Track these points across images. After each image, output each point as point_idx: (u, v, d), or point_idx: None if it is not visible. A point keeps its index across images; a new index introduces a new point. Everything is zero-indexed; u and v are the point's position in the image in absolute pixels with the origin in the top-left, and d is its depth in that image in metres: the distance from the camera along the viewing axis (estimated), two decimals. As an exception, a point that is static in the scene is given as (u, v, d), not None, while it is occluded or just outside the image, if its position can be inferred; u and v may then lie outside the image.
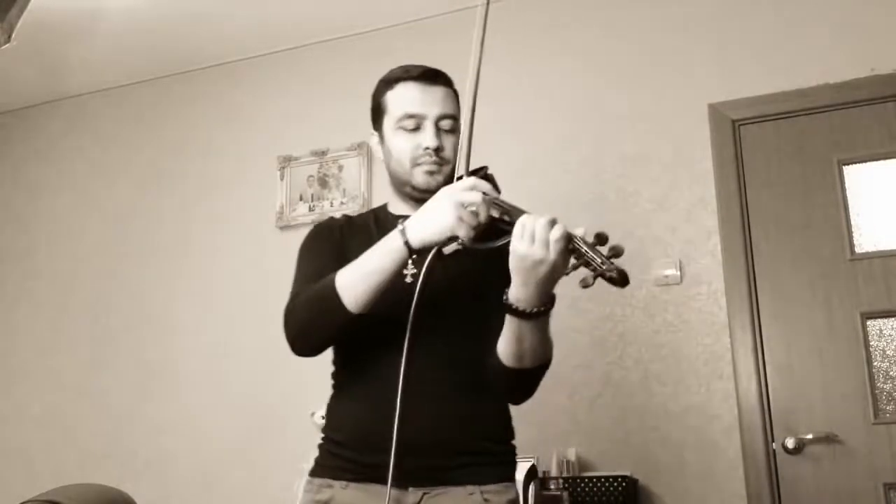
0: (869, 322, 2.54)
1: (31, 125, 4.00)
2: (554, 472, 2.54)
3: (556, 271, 1.30)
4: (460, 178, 1.48)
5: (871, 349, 2.52)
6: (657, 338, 2.72)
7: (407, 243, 1.39)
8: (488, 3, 1.56)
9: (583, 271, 1.27)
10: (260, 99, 3.56)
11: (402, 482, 1.44)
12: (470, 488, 1.47)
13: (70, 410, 3.50)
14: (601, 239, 1.27)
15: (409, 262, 1.51)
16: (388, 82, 1.64)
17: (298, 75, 3.52)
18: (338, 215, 1.77)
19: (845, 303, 2.56)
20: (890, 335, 2.52)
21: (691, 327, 2.69)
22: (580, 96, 3.03)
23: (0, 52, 1.67)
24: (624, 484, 2.43)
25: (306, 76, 3.50)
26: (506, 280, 1.36)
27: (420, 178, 1.58)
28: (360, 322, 1.44)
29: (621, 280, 1.23)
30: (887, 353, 2.51)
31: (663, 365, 2.69)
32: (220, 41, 3.52)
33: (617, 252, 1.26)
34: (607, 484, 2.43)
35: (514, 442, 1.60)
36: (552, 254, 1.27)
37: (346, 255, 1.54)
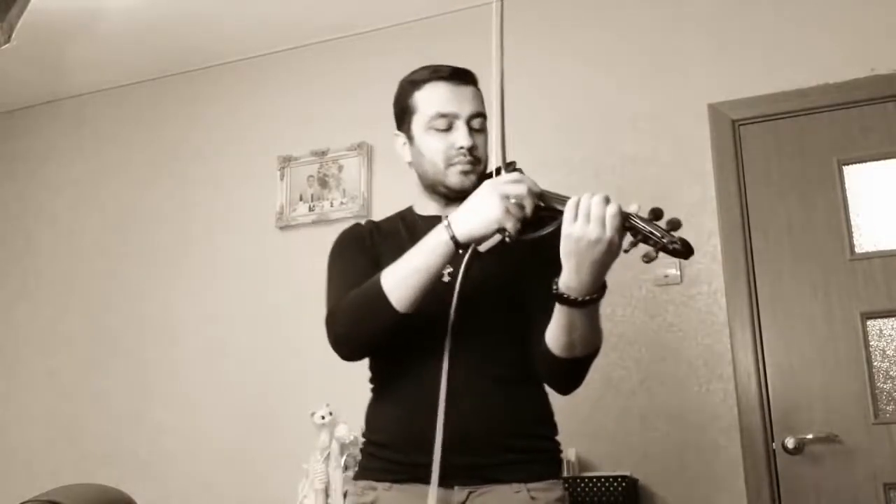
0: (869, 322, 2.54)
1: (31, 125, 4.00)
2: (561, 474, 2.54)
3: (614, 250, 1.29)
4: (498, 170, 1.47)
5: (871, 349, 2.52)
6: (657, 338, 2.72)
7: (453, 238, 1.38)
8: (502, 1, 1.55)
9: (641, 248, 1.26)
10: (260, 99, 3.56)
11: (447, 481, 1.43)
12: (516, 486, 1.46)
13: (70, 410, 3.50)
14: (657, 214, 1.26)
15: None
16: (415, 83, 1.62)
17: (298, 75, 3.52)
18: (362, 221, 1.75)
19: (845, 303, 2.56)
20: (890, 335, 2.52)
21: (691, 327, 2.69)
22: (580, 96, 3.03)
23: (0, 52, 1.67)
24: (624, 484, 2.43)
25: (306, 76, 3.50)
26: (549, 268, 1.36)
27: (454, 178, 1.57)
28: (407, 322, 1.43)
29: (685, 251, 1.22)
30: (887, 353, 2.51)
31: (663, 365, 2.69)
32: (220, 41, 3.52)
33: (675, 225, 1.25)
34: (607, 484, 2.43)
35: (558, 437, 1.59)
36: (609, 230, 1.26)
37: (378, 260, 1.55)
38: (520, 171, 1.55)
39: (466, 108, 1.58)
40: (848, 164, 2.66)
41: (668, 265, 2.74)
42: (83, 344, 3.56)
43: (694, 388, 2.65)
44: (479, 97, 1.62)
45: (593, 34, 3.08)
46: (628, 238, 1.28)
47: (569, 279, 1.33)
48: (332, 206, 3.28)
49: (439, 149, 1.57)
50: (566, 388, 1.55)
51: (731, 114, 2.80)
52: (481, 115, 1.59)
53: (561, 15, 3.14)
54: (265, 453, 3.10)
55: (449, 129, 1.57)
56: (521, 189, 1.37)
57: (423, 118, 1.59)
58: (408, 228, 1.64)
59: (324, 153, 3.36)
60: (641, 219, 1.26)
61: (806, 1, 2.81)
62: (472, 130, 1.57)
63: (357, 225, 1.71)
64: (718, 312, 2.67)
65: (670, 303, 2.73)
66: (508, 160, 1.59)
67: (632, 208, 1.28)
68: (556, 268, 1.34)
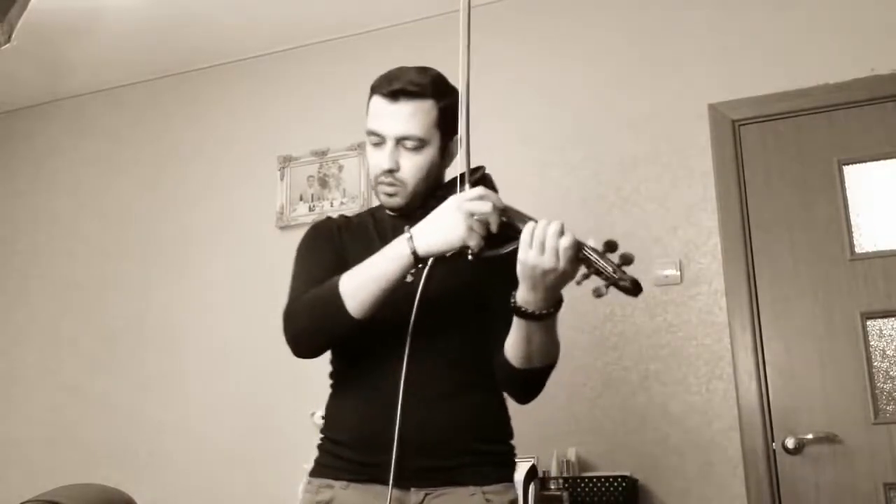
0: (869, 322, 2.54)
1: (31, 125, 4.00)
2: (554, 472, 2.54)
3: (566, 279, 1.30)
4: (462, 179, 1.47)
5: (871, 349, 2.52)
6: (657, 338, 2.72)
7: (414, 252, 1.38)
8: (469, 9, 1.53)
9: (594, 280, 1.27)
10: (260, 99, 3.56)
11: (404, 482, 1.44)
12: (472, 489, 1.47)
13: (70, 410, 3.50)
14: (611, 247, 1.27)
15: None
16: (371, 89, 1.62)
17: (298, 75, 3.52)
18: (335, 215, 1.76)
19: (845, 303, 2.56)
20: (890, 335, 2.52)
21: (691, 327, 2.69)
22: (580, 96, 3.03)
23: (0, 52, 1.67)
24: (624, 484, 2.43)
25: (306, 76, 3.50)
26: (508, 280, 1.36)
27: (381, 197, 1.58)
28: (362, 327, 1.44)
29: (634, 289, 1.23)
30: (887, 353, 2.51)
31: (663, 365, 2.69)
32: (220, 41, 3.52)
33: (627, 259, 1.26)
34: (607, 484, 2.43)
35: (512, 441, 1.60)
36: (562, 262, 1.27)
37: (345, 256, 1.55)
38: (489, 176, 1.56)
39: (397, 129, 1.53)
40: (848, 164, 2.66)
41: (667, 265, 2.75)
42: (83, 344, 3.56)
43: (694, 388, 2.65)
44: (423, 115, 1.54)
45: (593, 34, 3.08)
46: (582, 269, 1.29)
47: (525, 295, 1.35)
48: (332, 206, 3.28)
49: (371, 164, 1.58)
50: (524, 397, 1.55)
51: (731, 114, 2.80)
52: (415, 137, 1.53)
53: (561, 15, 3.14)
54: (265, 453, 3.10)
55: (380, 145, 1.56)
56: (486, 207, 1.36)
57: (366, 128, 1.60)
58: (377, 226, 1.64)
59: (324, 153, 3.36)
60: (595, 252, 1.27)
61: (806, 1, 2.81)
62: (402, 150, 1.54)
63: (328, 219, 1.71)
64: (718, 312, 2.67)
65: (670, 303, 2.73)
66: (476, 165, 1.58)
67: (589, 241, 1.29)
68: (517, 280, 1.36)
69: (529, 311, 1.35)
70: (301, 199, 3.36)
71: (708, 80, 2.86)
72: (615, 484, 2.43)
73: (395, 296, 1.46)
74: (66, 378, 3.55)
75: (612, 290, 1.26)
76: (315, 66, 3.50)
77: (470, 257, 1.38)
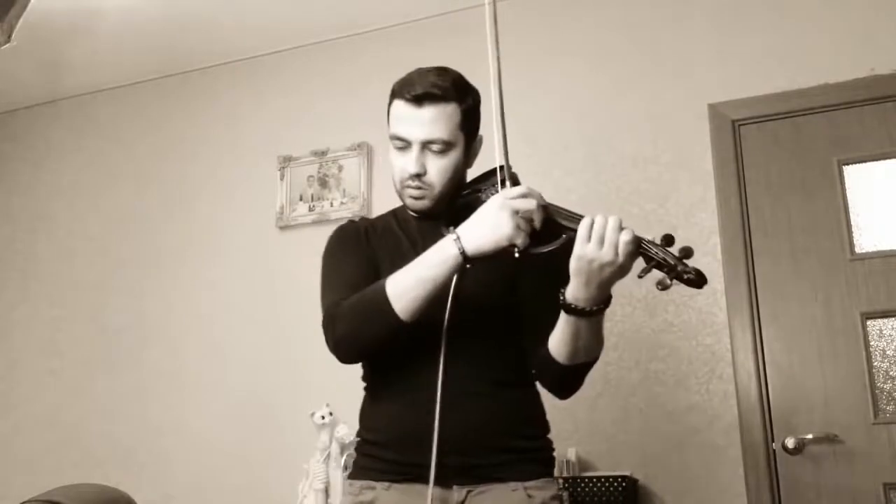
0: (869, 322, 2.54)
1: (31, 125, 4.00)
2: (554, 472, 2.54)
3: (623, 273, 1.32)
4: (503, 181, 1.48)
5: (871, 349, 2.52)
6: (657, 338, 2.72)
7: (463, 252, 1.38)
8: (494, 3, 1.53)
9: (655, 273, 1.28)
10: (260, 99, 3.56)
11: (445, 480, 1.45)
12: (513, 485, 1.48)
13: (70, 411, 3.50)
14: (669, 241, 1.29)
15: None
16: (392, 93, 1.62)
17: (298, 75, 3.52)
18: (356, 218, 1.76)
19: (845, 303, 2.56)
20: (890, 335, 2.52)
21: (691, 327, 2.69)
22: (580, 96, 3.03)
23: (0, 52, 1.67)
24: (624, 484, 2.43)
25: (306, 76, 3.50)
26: (545, 275, 1.39)
27: (407, 200, 1.60)
28: (408, 330, 1.43)
29: (699, 280, 1.25)
30: (887, 353, 2.51)
31: (663, 365, 2.69)
32: (220, 41, 3.52)
33: (687, 253, 1.28)
34: (607, 484, 2.43)
35: (550, 436, 1.61)
36: (622, 257, 1.29)
37: (374, 259, 1.57)
38: (515, 175, 1.56)
39: (422, 133, 1.54)
40: (848, 164, 2.66)
41: (668, 265, 2.74)
42: (83, 344, 3.56)
43: (694, 388, 2.65)
44: (448, 118, 1.55)
45: (593, 34, 3.08)
46: (640, 263, 1.30)
47: (577, 292, 1.36)
48: (332, 206, 3.28)
49: (396, 168, 1.59)
50: (566, 393, 1.58)
51: (731, 114, 2.80)
52: (440, 141, 1.54)
53: (561, 15, 3.14)
54: (265, 453, 3.10)
55: (405, 149, 1.56)
56: (530, 204, 1.38)
57: (389, 132, 1.60)
58: (401, 226, 1.65)
59: (324, 153, 3.36)
60: (655, 245, 1.29)
61: (806, 1, 2.81)
62: (428, 153, 1.55)
63: (351, 222, 1.72)
64: (718, 312, 2.67)
65: (670, 303, 2.73)
66: (501, 165, 1.59)
67: (646, 236, 1.31)
68: (554, 276, 1.37)
69: (580, 307, 1.36)
70: (301, 199, 3.36)
71: (708, 80, 2.86)
72: (615, 484, 2.43)
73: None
74: (66, 378, 3.55)
75: (676, 282, 1.25)
76: (315, 66, 3.50)
77: (517, 255, 1.38)
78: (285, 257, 3.28)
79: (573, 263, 1.33)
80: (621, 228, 1.30)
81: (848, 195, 2.64)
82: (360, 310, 1.46)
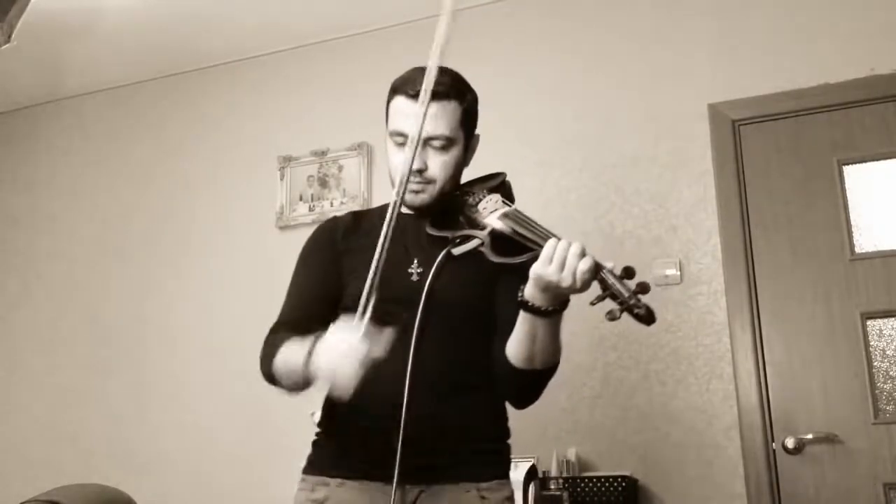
0: (869, 322, 2.54)
1: (31, 125, 4.00)
2: (554, 472, 2.54)
3: (579, 292, 1.33)
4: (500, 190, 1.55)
5: (871, 349, 2.52)
6: (657, 338, 2.72)
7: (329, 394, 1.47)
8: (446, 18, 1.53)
9: (608, 302, 1.29)
10: (260, 99, 3.56)
11: (399, 479, 1.43)
12: (466, 485, 1.48)
13: (70, 410, 3.50)
14: (629, 273, 1.30)
15: (416, 260, 1.54)
16: (391, 90, 1.63)
17: (298, 75, 3.52)
18: (343, 213, 1.77)
19: (845, 303, 2.56)
20: (890, 335, 2.52)
21: (691, 327, 2.69)
22: (580, 96, 3.03)
23: (0, 52, 1.67)
24: (624, 484, 2.43)
25: (306, 76, 3.50)
26: (514, 284, 1.39)
27: (407, 196, 1.58)
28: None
29: (648, 317, 1.27)
30: (887, 353, 2.51)
31: (663, 365, 2.69)
32: (220, 41, 3.52)
33: (644, 288, 1.29)
34: (607, 484, 2.43)
35: (509, 441, 1.60)
36: (578, 283, 1.30)
37: (342, 263, 1.59)
38: (508, 185, 1.60)
39: (425, 129, 1.53)
40: (848, 164, 2.66)
41: (667, 265, 2.75)
42: (83, 344, 3.56)
43: (694, 388, 2.65)
44: (449, 114, 1.57)
45: (593, 34, 3.08)
46: (596, 289, 1.31)
47: (533, 295, 1.37)
48: (332, 206, 3.28)
49: (395, 164, 1.59)
50: (523, 401, 1.56)
51: (731, 114, 2.80)
52: (442, 137, 1.55)
53: (561, 15, 3.14)
54: (265, 453, 3.10)
55: (405, 145, 1.56)
56: (369, 352, 1.34)
57: (388, 129, 1.61)
58: (378, 224, 1.62)
59: (324, 153, 3.36)
60: (613, 275, 1.30)
61: (806, 1, 2.81)
62: (429, 149, 1.56)
63: (334, 220, 1.72)
64: (718, 312, 2.67)
65: (670, 303, 2.73)
66: (498, 171, 1.64)
67: (607, 264, 1.31)
68: (522, 282, 1.38)
69: (536, 305, 1.37)
70: (301, 199, 3.36)
71: (708, 80, 2.86)
72: (615, 484, 2.43)
73: (400, 291, 1.49)
74: (66, 378, 3.55)
75: (626, 316, 1.27)
76: (315, 66, 3.50)
77: (471, 249, 1.42)
78: (285, 257, 3.24)
79: (532, 278, 1.34)
80: (582, 255, 1.31)
81: (848, 195, 2.64)
82: (286, 370, 1.51)
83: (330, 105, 3.41)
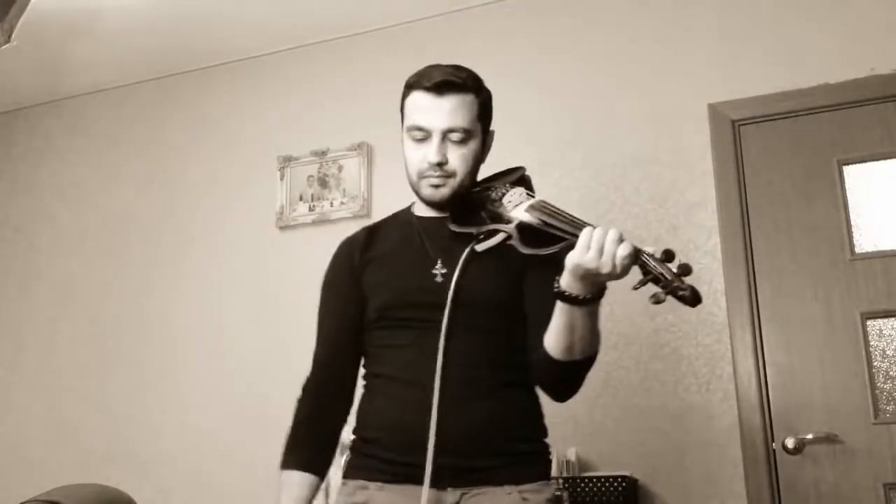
0: (869, 322, 2.54)
1: (31, 125, 4.00)
2: (554, 472, 2.54)
3: (619, 278, 1.31)
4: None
5: (871, 349, 2.52)
6: (657, 338, 2.72)
7: None
8: None
9: (651, 287, 1.28)
10: (260, 99, 3.56)
11: (440, 482, 1.43)
12: (508, 488, 1.47)
13: (70, 410, 3.50)
14: (669, 256, 1.28)
15: (439, 261, 1.54)
16: (407, 87, 1.63)
17: (298, 75, 3.52)
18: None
19: (845, 303, 2.56)
20: (890, 335, 2.52)
21: (691, 327, 2.69)
22: (580, 96, 3.03)
23: (0, 52, 1.67)
24: (624, 484, 2.43)
25: (306, 76, 3.50)
26: (546, 278, 1.38)
27: (426, 190, 1.60)
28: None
29: (693, 299, 1.23)
30: (887, 353, 2.51)
31: (663, 365, 2.69)
32: (220, 41, 3.52)
33: (686, 270, 1.26)
34: (607, 484, 2.43)
35: (547, 440, 1.60)
36: (618, 269, 1.29)
37: (363, 281, 1.60)
38: (528, 179, 1.60)
39: (442, 123, 1.56)
40: (848, 164, 2.66)
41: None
42: (83, 344, 3.56)
43: (694, 388, 2.65)
44: (466, 106, 1.58)
45: (593, 34, 3.08)
46: (638, 274, 1.30)
47: (570, 284, 1.35)
48: (332, 206, 3.28)
49: (414, 160, 1.60)
50: (563, 394, 1.56)
51: (731, 114, 2.80)
52: (460, 129, 1.57)
53: (561, 15, 3.14)
54: (265, 453, 3.08)
55: (425, 140, 1.57)
56: None
57: (405, 126, 1.62)
58: (400, 230, 1.66)
59: (324, 153, 3.36)
60: (654, 259, 1.28)
61: (806, 1, 2.81)
62: (449, 143, 1.57)
63: (346, 242, 1.72)
64: (718, 312, 2.67)
65: (670, 303, 2.71)
66: (517, 166, 1.64)
67: (647, 249, 1.30)
68: (556, 275, 1.36)
69: (574, 294, 1.35)
70: (301, 199, 3.36)
71: (708, 80, 2.86)
72: (615, 484, 2.43)
73: (427, 295, 1.50)
74: (65, 378, 3.55)
75: (671, 298, 1.26)
76: (315, 66, 3.50)
77: (493, 245, 1.44)
78: (285, 257, 3.28)
79: (571, 266, 1.32)
80: (620, 241, 1.29)
81: (848, 195, 2.64)
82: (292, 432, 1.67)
83: (330, 105, 3.40)
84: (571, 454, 2.58)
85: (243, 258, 3.38)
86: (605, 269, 1.29)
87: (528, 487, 1.49)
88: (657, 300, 1.26)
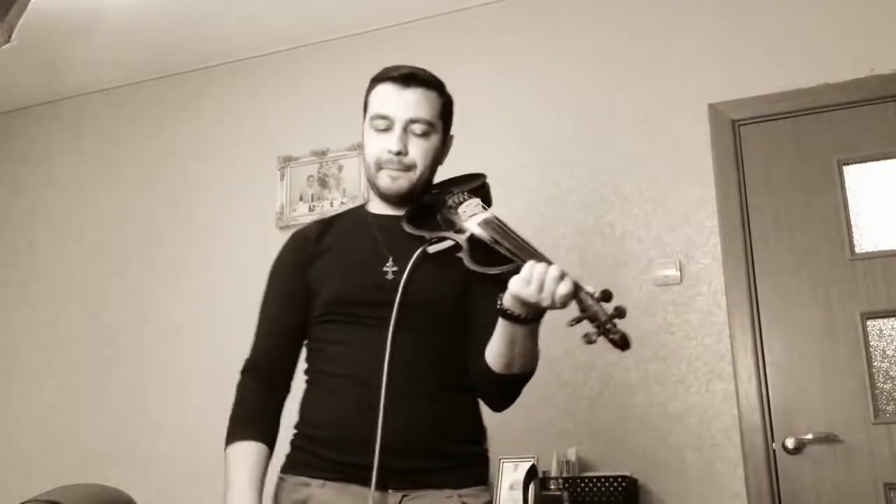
0: (869, 322, 2.54)
1: (31, 125, 4.00)
2: (554, 472, 2.54)
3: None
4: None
5: (871, 349, 2.52)
6: (657, 338, 2.72)
7: None
8: None
9: (585, 324, 1.29)
10: (260, 99, 3.56)
11: (381, 483, 1.43)
12: (447, 491, 1.47)
13: (70, 410, 3.50)
14: (606, 296, 1.29)
15: (391, 258, 1.54)
16: (372, 80, 1.66)
17: (298, 75, 3.52)
18: (310, 220, 1.78)
19: (845, 303, 2.56)
20: (890, 335, 2.52)
21: (691, 327, 2.69)
22: (580, 96, 3.03)
23: (0, 52, 1.67)
24: (624, 484, 2.43)
25: (306, 76, 3.50)
26: (491, 290, 1.39)
27: (383, 181, 1.60)
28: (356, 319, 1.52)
29: (623, 344, 1.25)
30: (887, 353, 2.51)
31: (663, 365, 2.69)
32: (220, 41, 3.52)
33: (620, 312, 1.27)
34: (607, 484, 2.43)
35: (486, 443, 1.60)
36: (557, 305, 1.30)
37: (311, 271, 1.59)
38: (487, 186, 1.60)
39: (406, 113, 1.57)
40: (848, 164, 2.66)
41: (667, 265, 2.75)
42: (83, 344, 3.56)
43: (694, 388, 2.65)
44: (431, 102, 1.59)
45: (593, 34, 3.08)
46: (574, 310, 1.31)
47: (513, 305, 1.36)
48: (332, 206, 3.28)
49: (374, 150, 1.61)
50: (500, 404, 1.55)
51: (731, 114, 2.80)
52: (424, 121, 1.58)
53: (561, 15, 3.14)
54: (265, 453, 3.10)
55: (387, 130, 1.59)
56: None
57: (368, 116, 1.64)
58: (354, 225, 1.66)
59: (324, 153, 3.36)
60: (591, 298, 1.29)
61: (806, 1, 2.81)
62: (410, 135, 1.58)
63: (298, 233, 1.71)
64: (718, 312, 2.67)
65: (670, 303, 2.73)
66: (478, 172, 1.64)
67: (587, 287, 1.30)
68: (502, 287, 1.37)
69: (516, 314, 1.36)
70: (301, 199, 3.36)
71: (708, 80, 2.86)
72: (615, 484, 2.43)
73: (376, 292, 1.50)
74: (65, 378, 3.55)
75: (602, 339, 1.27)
76: (315, 66, 3.50)
77: (445, 248, 1.45)
78: (285, 257, 3.27)
79: (512, 294, 1.33)
80: (561, 278, 1.29)
81: (848, 195, 2.64)
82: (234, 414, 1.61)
83: (330, 105, 3.40)
84: (571, 454, 2.58)
85: (243, 258, 3.37)
86: (545, 303, 1.30)
87: (467, 492, 1.49)
88: (589, 341, 1.27)
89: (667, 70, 2.93)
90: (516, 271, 1.33)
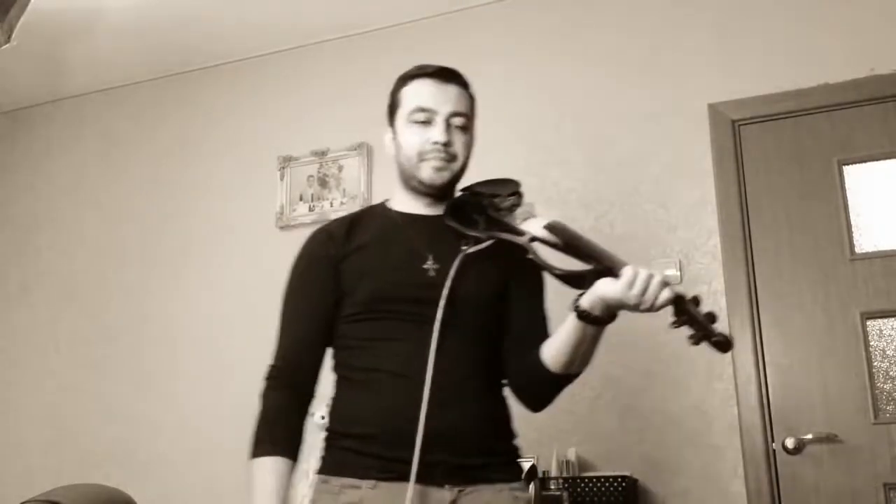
0: (869, 322, 2.54)
1: (31, 125, 4.00)
2: (554, 472, 2.54)
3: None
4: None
5: (871, 349, 2.52)
6: (657, 338, 2.71)
7: None
8: None
9: (685, 328, 1.36)
10: (260, 99, 3.56)
11: (435, 479, 1.43)
12: (500, 486, 1.49)
13: (70, 410, 3.50)
14: (696, 302, 1.36)
15: (431, 256, 1.54)
16: (404, 79, 1.66)
17: (298, 75, 3.52)
18: (334, 216, 1.77)
19: (845, 303, 2.56)
20: (890, 335, 2.52)
21: (691, 327, 2.69)
22: (580, 96, 3.03)
23: (0, 52, 1.67)
24: (624, 484, 2.43)
25: (306, 76, 3.50)
26: (536, 289, 1.45)
27: (426, 172, 1.59)
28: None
29: (726, 345, 1.32)
30: (887, 353, 2.51)
31: (663, 365, 2.69)
32: (220, 41, 3.52)
33: (713, 318, 1.35)
34: (607, 484, 2.43)
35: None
36: (653, 309, 1.38)
37: (343, 269, 1.58)
38: (519, 195, 1.61)
39: (447, 106, 1.59)
40: (848, 164, 2.66)
41: (667, 265, 2.74)
42: (83, 344, 3.56)
43: (694, 389, 2.65)
44: (465, 97, 1.63)
45: (593, 34, 3.08)
46: (670, 313, 1.38)
47: (594, 306, 1.40)
48: (332, 206, 3.28)
49: (415, 142, 1.59)
50: (542, 403, 1.58)
51: (731, 114, 2.80)
52: (463, 114, 1.61)
53: (561, 15, 3.14)
54: (265, 453, 3.10)
55: (427, 123, 1.59)
56: None
57: (404, 111, 1.62)
58: (380, 223, 1.64)
59: (324, 153, 3.36)
60: (694, 306, 1.36)
61: (806, 1, 2.81)
62: (451, 128, 1.59)
63: (324, 230, 1.68)
64: (718, 312, 2.65)
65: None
66: (509, 178, 1.65)
67: (685, 295, 1.37)
68: (541, 289, 1.43)
69: (594, 315, 1.40)
70: (301, 199, 3.36)
71: (708, 80, 2.86)
72: (615, 484, 2.43)
73: (417, 290, 1.50)
74: (65, 378, 3.55)
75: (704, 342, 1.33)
76: (315, 66, 3.50)
77: (483, 247, 1.48)
78: (285, 257, 3.26)
79: (606, 294, 1.38)
80: (664, 286, 1.37)
81: (848, 195, 2.64)
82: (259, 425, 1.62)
83: (330, 105, 3.40)
84: (571, 454, 2.59)
85: (243, 258, 3.38)
86: (643, 307, 1.37)
87: (517, 485, 1.52)
88: (695, 342, 1.34)
89: (667, 70, 2.93)
90: (598, 274, 1.38)
